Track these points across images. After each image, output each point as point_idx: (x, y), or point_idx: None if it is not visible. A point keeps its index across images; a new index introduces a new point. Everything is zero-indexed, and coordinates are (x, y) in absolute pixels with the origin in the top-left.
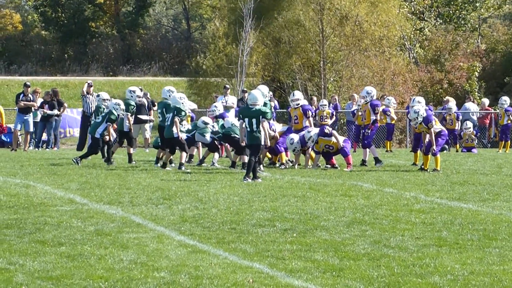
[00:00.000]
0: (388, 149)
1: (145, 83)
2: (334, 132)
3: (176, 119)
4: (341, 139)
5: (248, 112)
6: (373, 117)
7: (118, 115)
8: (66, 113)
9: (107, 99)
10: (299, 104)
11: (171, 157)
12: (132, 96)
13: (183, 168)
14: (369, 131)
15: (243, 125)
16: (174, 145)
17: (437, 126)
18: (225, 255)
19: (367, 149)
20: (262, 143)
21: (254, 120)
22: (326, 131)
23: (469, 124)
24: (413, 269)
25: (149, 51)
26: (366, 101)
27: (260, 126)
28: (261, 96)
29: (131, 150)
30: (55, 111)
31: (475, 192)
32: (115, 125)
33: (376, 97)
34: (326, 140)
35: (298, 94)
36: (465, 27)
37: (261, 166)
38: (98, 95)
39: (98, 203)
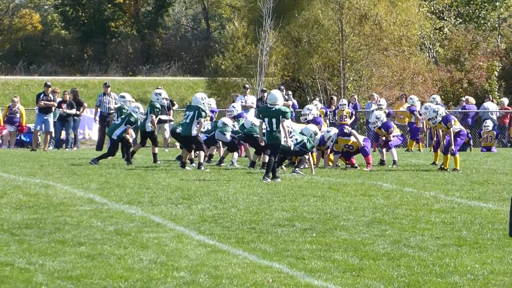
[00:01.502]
0: (419, 148)
1: (164, 83)
2: (354, 131)
3: (202, 120)
4: (360, 138)
5: (268, 112)
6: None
7: (137, 118)
8: (86, 113)
9: (130, 101)
10: (306, 119)
11: (192, 157)
12: (158, 99)
13: (202, 168)
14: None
15: (263, 125)
16: (191, 143)
17: (456, 126)
18: (245, 254)
19: (386, 150)
20: (282, 142)
21: (274, 120)
22: (345, 130)
23: (489, 122)
24: (433, 269)
25: (169, 51)
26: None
27: (280, 126)
28: (281, 95)
29: (156, 150)
30: (74, 111)
31: (495, 192)
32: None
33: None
34: (346, 139)
35: (308, 108)
36: (485, 26)
37: (283, 166)
38: (122, 97)
39: (118, 203)
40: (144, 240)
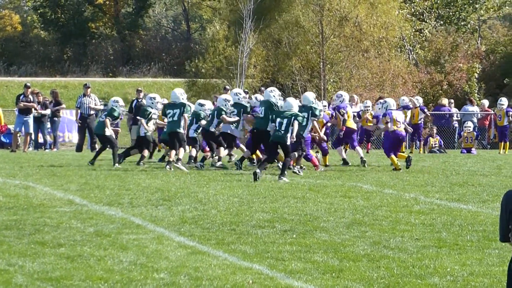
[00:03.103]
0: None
1: (144, 84)
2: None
3: (186, 115)
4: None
5: (282, 115)
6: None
7: (120, 112)
8: (66, 115)
9: (155, 99)
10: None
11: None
12: (153, 103)
13: (179, 164)
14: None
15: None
16: (174, 140)
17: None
18: (225, 256)
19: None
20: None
21: (285, 120)
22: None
23: (470, 123)
24: (413, 270)
25: (149, 52)
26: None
27: (290, 126)
28: (296, 103)
29: (145, 153)
30: (48, 111)
31: (474, 193)
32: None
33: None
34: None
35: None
36: (465, 28)
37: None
38: (152, 98)
39: (98, 204)
40: (124, 241)
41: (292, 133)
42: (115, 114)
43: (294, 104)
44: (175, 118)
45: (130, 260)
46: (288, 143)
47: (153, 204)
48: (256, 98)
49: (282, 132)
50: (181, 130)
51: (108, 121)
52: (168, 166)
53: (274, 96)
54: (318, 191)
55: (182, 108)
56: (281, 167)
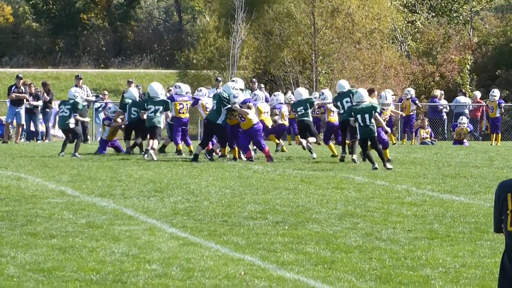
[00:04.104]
0: (393, 142)
1: (136, 75)
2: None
3: (168, 113)
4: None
5: (360, 109)
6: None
7: (81, 103)
8: (57, 106)
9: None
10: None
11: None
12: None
13: (149, 154)
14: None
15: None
16: (153, 132)
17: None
18: (217, 247)
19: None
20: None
21: (367, 116)
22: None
23: (464, 120)
24: (405, 262)
25: (141, 43)
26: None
27: (373, 119)
28: (367, 93)
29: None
30: (40, 102)
31: (466, 185)
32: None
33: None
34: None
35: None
36: (457, 19)
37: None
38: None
39: (90, 196)
40: (116, 232)
41: (382, 125)
42: (79, 107)
43: (365, 94)
44: (157, 114)
45: (122, 251)
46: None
47: (145, 196)
48: (255, 95)
49: (369, 125)
50: (161, 125)
51: (78, 117)
52: (146, 155)
53: (234, 88)
54: (310, 182)
55: (164, 105)
56: (379, 157)
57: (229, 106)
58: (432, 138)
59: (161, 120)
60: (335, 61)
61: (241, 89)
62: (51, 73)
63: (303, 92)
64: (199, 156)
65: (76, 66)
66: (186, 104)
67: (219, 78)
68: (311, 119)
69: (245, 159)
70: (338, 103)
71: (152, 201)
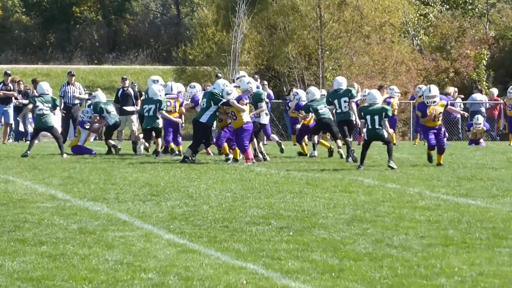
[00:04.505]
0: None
1: (132, 71)
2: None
3: (164, 112)
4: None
5: (370, 110)
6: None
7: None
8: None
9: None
10: (436, 102)
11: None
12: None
13: (159, 157)
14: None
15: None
16: (153, 133)
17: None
18: (217, 255)
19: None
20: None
21: (376, 117)
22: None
23: (480, 119)
24: (418, 270)
25: (136, 38)
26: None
27: (382, 122)
28: (380, 95)
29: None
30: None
31: (483, 188)
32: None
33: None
34: None
35: (435, 90)
36: (473, 12)
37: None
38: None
39: (82, 200)
40: (109, 239)
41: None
42: (57, 103)
43: (378, 96)
44: (151, 113)
45: (116, 259)
46: (386, 136)
47: (140, 199)
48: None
49: (377, 128)
50: (159, 125)
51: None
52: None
53: (225, 85)
54: (316, 185)
55: (157, 104)
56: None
57: (224, 101)
58: (446, 138)
59: (158, 120)
60: (343, 57)
61: (236, 86)
62: (42, 70)
63: (315, 91)
64: (195, 157)
65: (68, 62)
66: (175, 102)
67: (220, 75)
68: (331, 117)
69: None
70: (335, 101)
71: (148, 206)
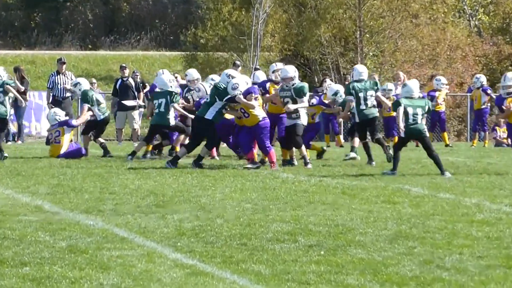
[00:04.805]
0: (447, 143)
1: (133, 58)
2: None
3: (176, 105)
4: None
5: (410, 104)
6: None
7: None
8: (33, 98)
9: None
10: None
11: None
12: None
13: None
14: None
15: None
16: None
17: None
18: (233, 278)
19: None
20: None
21: (419, 110)
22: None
23: None
24: None
25: (138, 19)
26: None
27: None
28: (417, 86)
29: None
30: (11, 94)
31: None
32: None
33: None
34: None
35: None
36: None
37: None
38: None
39: (73, 212)
40: (105, 259)
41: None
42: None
43: (416, 88)
44: (162, 109)
45: (113, 283)
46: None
47: (143, 212)
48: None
49: (418, 123)
50: (171, 122)
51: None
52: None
53: (231, 76)
54: (353, 195)
55: (168, 97)
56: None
57: (230, 96)
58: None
59: (169, 115)
60: (385, 40)
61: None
62: (26, 56)
63: (415, 87)
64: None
65: (57, 47)
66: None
67: (238, 62)
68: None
69: (218, 158)
70: (361, 95)
71: (152, 219)
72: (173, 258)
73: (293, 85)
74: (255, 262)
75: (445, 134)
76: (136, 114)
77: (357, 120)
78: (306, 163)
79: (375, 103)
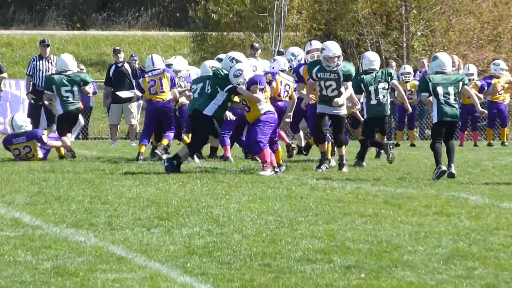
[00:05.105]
0: (504, 140)
1: (130, 40)
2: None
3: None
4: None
5: (441, 80)
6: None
7: None
8: (9, 88)
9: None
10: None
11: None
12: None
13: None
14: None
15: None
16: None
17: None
18: None
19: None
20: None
21: (451, 89)
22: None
23: None
24: None
25: None
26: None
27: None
28: (449, 60)
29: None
30: None
31: None
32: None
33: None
34: None
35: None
36: None
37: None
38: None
39: (58, 226)
40: (98, 283)
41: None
42: None
43: (449, 63)
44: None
45: None
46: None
47: (143, 226)
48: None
49: (454, 104)
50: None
51: None
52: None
53: (234, 59)
54: (399, 205)
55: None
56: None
57: (231, 86)
58: None
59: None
60: (436, 17)
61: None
62: (1, 37)
63: (447, 61)
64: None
65: (38, 26)
66: (160, 80)
67: (256, 45)
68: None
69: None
70: (371, 88)
71: (155, 234)
72: (181, 282)
73: (337, 65)
74: (281, 286)
75: (505, 130)
76: (134, 107)
77: (365, 116)
78: (341, 166)
79: (388, 96)
